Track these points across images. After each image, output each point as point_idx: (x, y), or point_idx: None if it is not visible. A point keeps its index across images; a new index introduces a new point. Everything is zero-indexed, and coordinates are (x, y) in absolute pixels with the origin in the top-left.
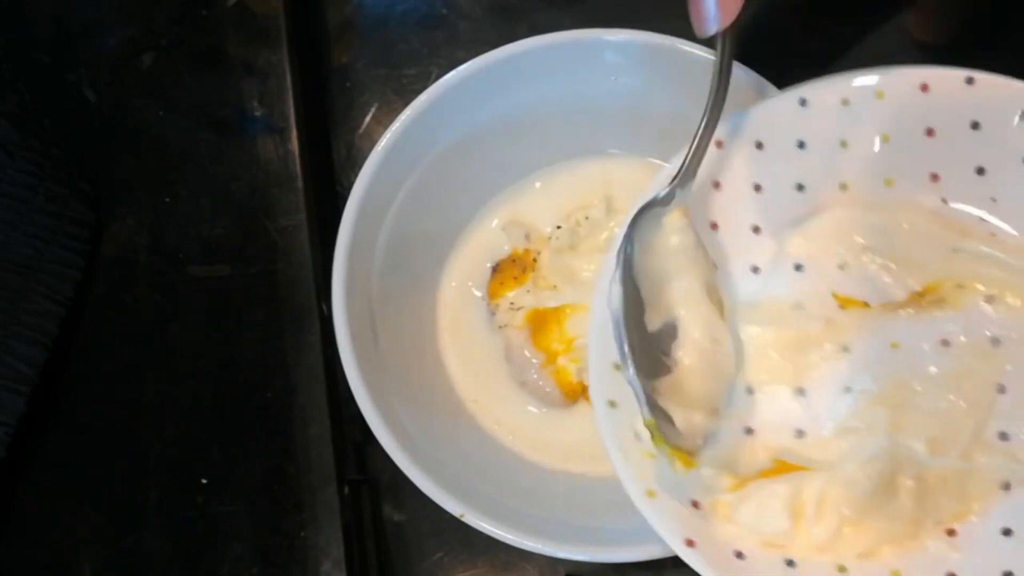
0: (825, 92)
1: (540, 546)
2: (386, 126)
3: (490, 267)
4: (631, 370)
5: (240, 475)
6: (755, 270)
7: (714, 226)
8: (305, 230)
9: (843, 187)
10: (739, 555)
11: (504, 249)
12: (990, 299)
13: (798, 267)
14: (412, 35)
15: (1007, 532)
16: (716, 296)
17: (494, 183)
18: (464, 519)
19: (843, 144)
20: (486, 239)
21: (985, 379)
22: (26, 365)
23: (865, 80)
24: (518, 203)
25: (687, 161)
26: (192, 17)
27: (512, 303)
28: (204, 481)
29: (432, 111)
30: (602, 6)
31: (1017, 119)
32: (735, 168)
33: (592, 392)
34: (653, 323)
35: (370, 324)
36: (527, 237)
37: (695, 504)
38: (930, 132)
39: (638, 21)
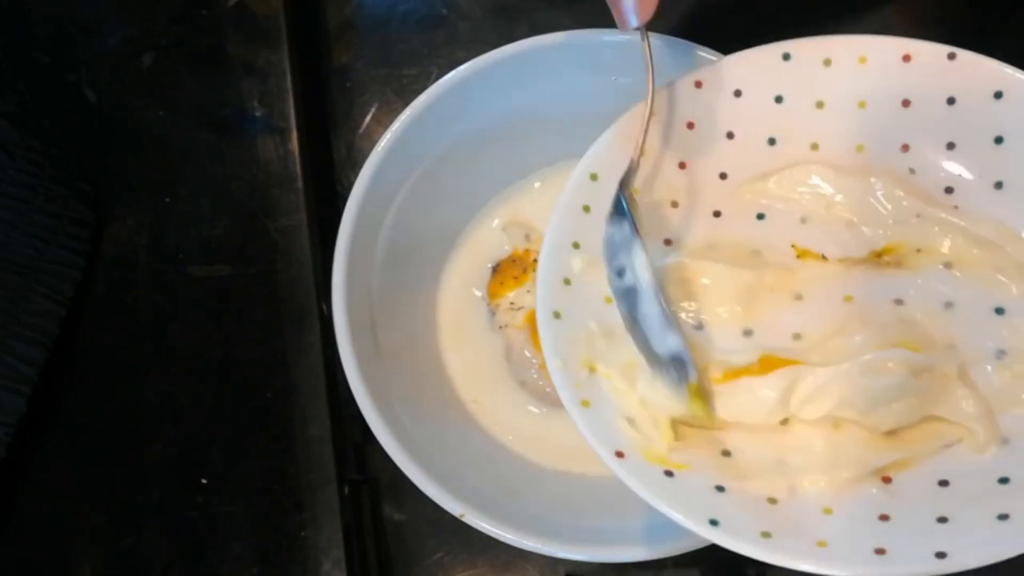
0: (809, 49)
1: (540, 546)
2: (386, 126)
3: (490, 267)
4: (679, 338)
5: (240, 475)
6: (717, 214)
7: (682, 165)
8: (305, 230)
9: (814, 146)
10: (668, 473)
11: (504, 249)
12: (948, 265)
13: (760, 216)
14: (412, 35)
15: (944, 483)
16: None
17: (494, 183)
18: (464, 519)
19: (819, 104)
20: (486, 239)
21: (935, 339)
22: (26, 365)
23: (850, 43)
24: (518, 203)
25: (641, 147)
26: (192, 17)
27: (512, 303)
28: (204, 481)
29: (432, 111)
30: (602, 6)
31: (991, 98)
32: (711, 112)
33: (538, 299)
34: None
35: (370, 324)
36: (527, 237)
37: (630, 420)
38: (906, 103)
39: None
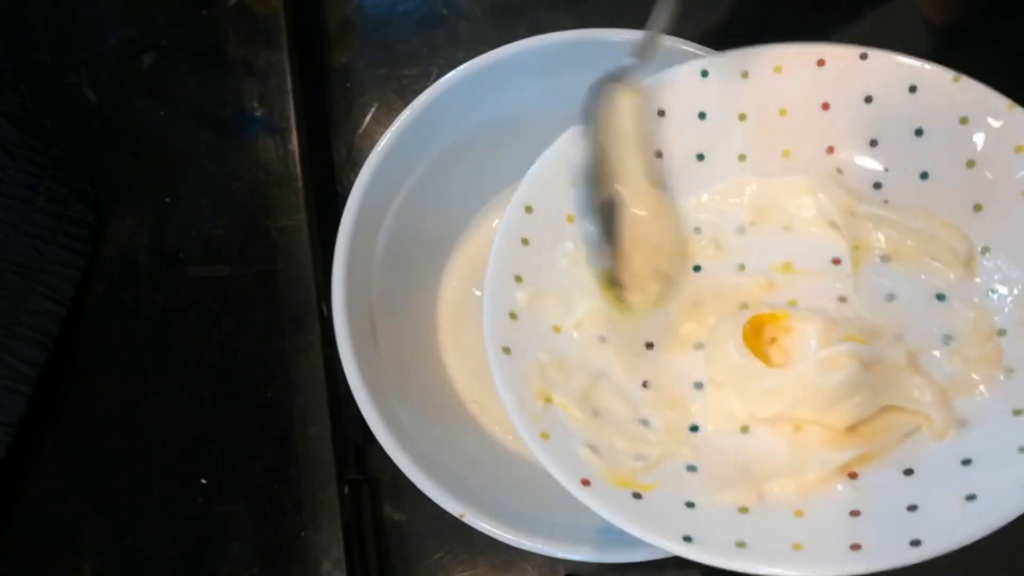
0: (726, 65)
1: (540, 546)
2: (386, 126)
3: None
4: (590, 222)
5: (240, 475)
6: None
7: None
8: (305, 230)
9: (741, 158)
10: (637, 495)
11: None
12: (886, 258)
13: (697, 230)
14: (412, 35)
15: (908, 472)
16: (655, 180)
17: (494, 183)
18: (464, 519)
19: (742, 116)
20: (486, 239)
21: (881, 332)
22: (26, 365)
23: (764, 54)
24: None
25: (648, 39)
26: (192, 17)
27: None
28: (204, 481)
29: (432, 111)
30: (602, 6)
31: (907, 92)
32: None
33: (486, 337)
34: (596, 197)
35: (370, 324)
36: None
37: (592, 447)
38: (826, 106)
39: (638, 21)
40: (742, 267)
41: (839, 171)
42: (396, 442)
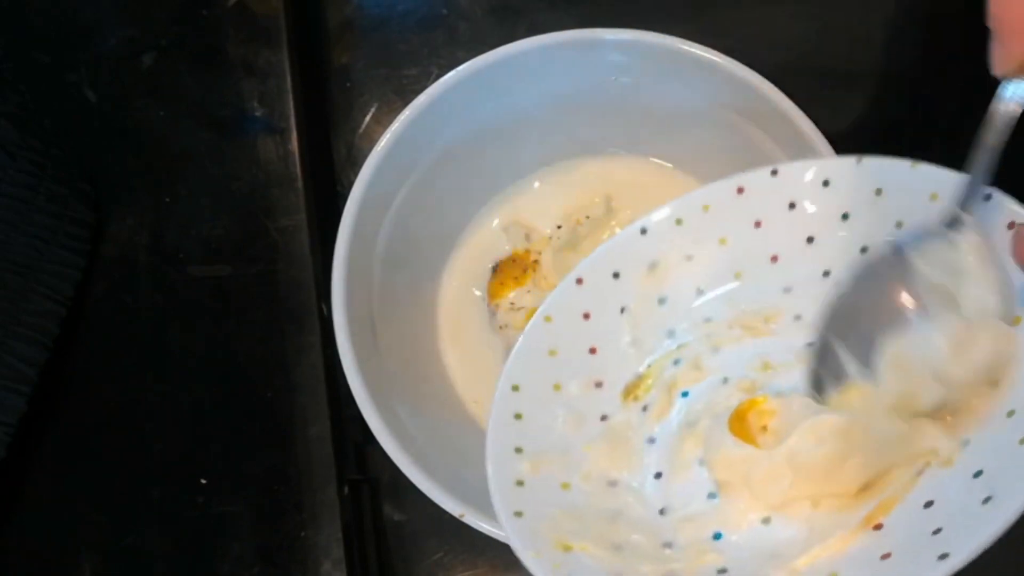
0: (658, 218)
1: None
2: (386, 126)
3: (490, 267)
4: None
5: (240, 475)
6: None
7: (592, 350)
8: (305, 230)
9: (699, 292)
10: None
11: (504, 249)
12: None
13: (676, 362)
14: (412, 35)
15: (929, 504)
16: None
17: (494, 183)
18: (464, 519)
19: (688, 258)
20: (486, 239)
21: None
22: (26, 365)
23: (690, 200)
24: (518, 203)
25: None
26: (192, 17)
27: (513, 303)
28: (204, 481)
29: (432, 111)
30: (602, 6)
31: (821, 187)
32: (598, 297)
33: (496, 507)
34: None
35: (370, 324)
36: (527, 237)
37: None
38: (758, 224)
39: (638, 21)
40: (725, 380)
41: (788, 284)
42: (396, 442)
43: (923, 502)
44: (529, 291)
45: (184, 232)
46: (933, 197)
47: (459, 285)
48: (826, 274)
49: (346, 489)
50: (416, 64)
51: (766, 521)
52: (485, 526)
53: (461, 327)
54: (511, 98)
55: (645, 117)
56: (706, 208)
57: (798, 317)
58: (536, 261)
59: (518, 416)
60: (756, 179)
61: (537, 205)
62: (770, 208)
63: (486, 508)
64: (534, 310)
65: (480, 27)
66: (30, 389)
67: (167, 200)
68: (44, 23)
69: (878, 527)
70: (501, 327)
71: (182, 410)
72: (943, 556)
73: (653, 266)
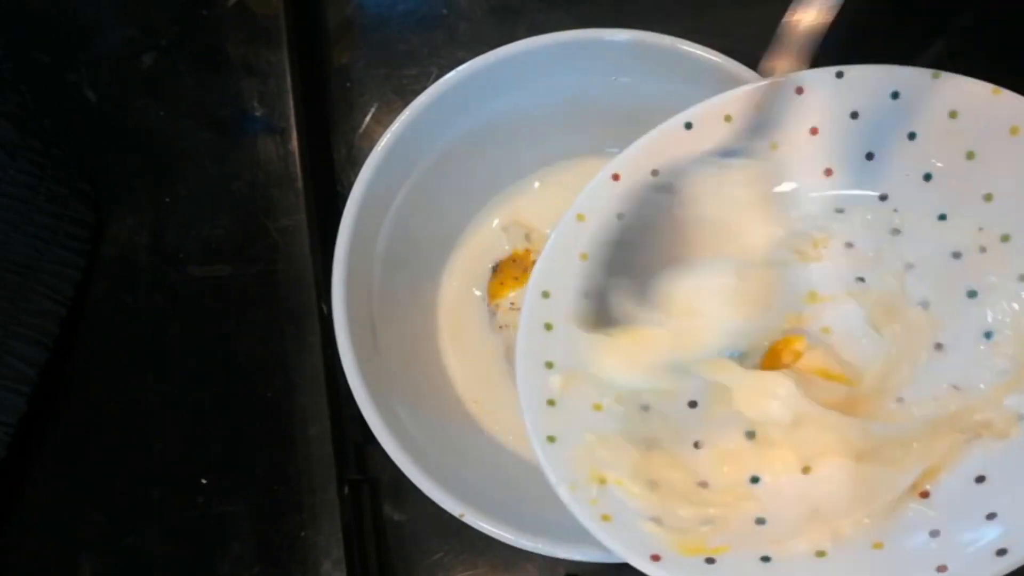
0: (705, 111)
1: (540, 546)
2: (386, 126)
3: (490, 267)
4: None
5: (240, 475)
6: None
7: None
8: (305, 230)
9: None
10: (710, 560)
11: (504, 249)
12: (910, 266)
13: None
14: (412, 35)
15: (980, 479)
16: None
17: (494, 183)
18: (464, 519)
19: (773, 146)
20: (486, 239)
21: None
22: (26, 365)
23: (740, 96)
24: (518, 203)
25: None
26: (192, 17)
27: (512, 303)
28: (204, 481)
29: (432, 111)
30: (602, 6)
31: (886, 91)
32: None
33: (529, 429)
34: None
35: (370, 324)
36: (527, 237)
37: (656, 520)
38: (814, 131)
39: (638, 21)
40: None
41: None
42: (396, 442)
43: (975, 476)
44: None
45: (184, 232)
46: (1014, 131)
47: (459, 285)
48: (883, 198)
49: (346, 489)
50: (416, 64)
51: (807, 470)
52: (485, 526)
53: (461, 327)
54: (511, 98)
55: (645, 117)
56: (759, 107)
57: (849, 245)
58: (536, 261)
59: (548, 327)
60: (819, 80)
61: (537, 205)
62: (830, 115)
63: (486, 508)
64: None
65: (480, 27)
66: (30, 389)
67: (167, 200)
68: (44, 23)
69: (924, 495)
70: (501, 327)
71: (182, 410)
72: (1001, 552)
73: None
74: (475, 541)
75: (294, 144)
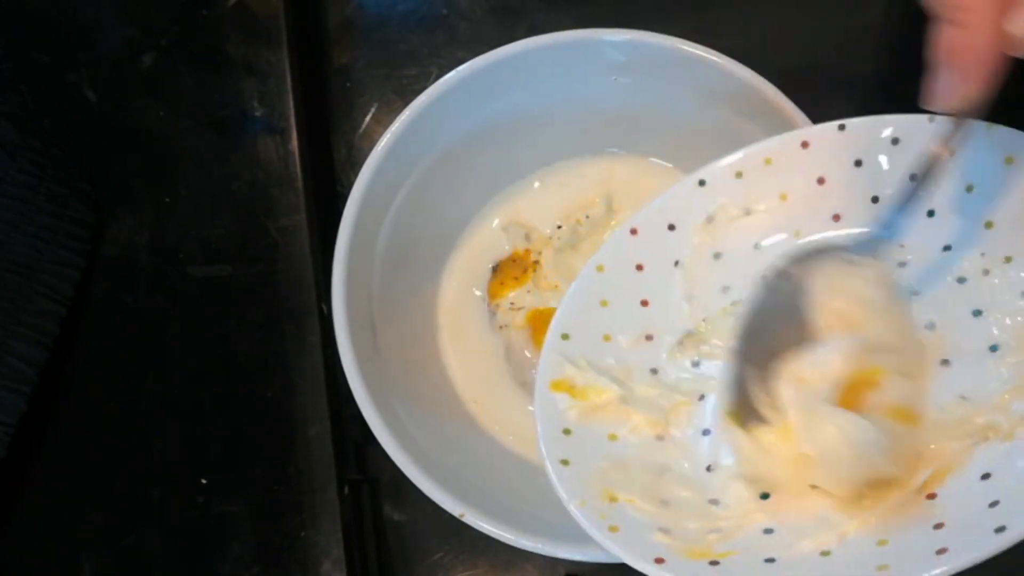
0: (718, 170)
1: (540, 546)
2: (386, 126)
3: (490, 267)
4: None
5: (240, 475)
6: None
7: (644, 303)
8: (305, 230)
9: (757, 247)
10: (714, 563)
11: (504, 249)
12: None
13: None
14: (412, 35)
15: (986, 476)
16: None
17: (494, 183)
18: (464, 519)
19: (747, 212)
20: (486, 239)
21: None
22: (26, 365)
23: (751, 153)
24: (518, 203)
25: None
26: (192, 17)
27: (512, 303)
28: (204, 481)
29: (432, 111)
30: (602, 6)
31: (887, 138)
32: (652, 249)
33: (544, 454)
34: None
35: (370, 324)
36: (527, 237)
37: (664, 531)
38: (821, 180)
39: (638, 21)
40: None
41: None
42: (396, 442)
43: (981, 474)
44: (529, 291)
45: (184, 232)
46: (1008, 161)
47: (459, 285)
48: (890, 235)
49: (346, 489)
50: (416, 64)
51: (815, 488)
52: (485, 526)
53: (461, 327)
54: (511, 98)
55: (645, 117)
56: (768, 162)
57: None
58: (536, 261)
59: (566, 336)
60: (822, 133)
61: (537, 205)
62: (835, 165)
63: (486, 508)
64: (534, 310)
65: (480, 27)
66: (30, 389)
67: (167, 200)
68: (44, 23)
69: (932, 496)
70: (501, 327)
71: (182, 410)
72: (1000, 529)
73: (710, 219)
74: (475, 541)
75: (294, 144)
